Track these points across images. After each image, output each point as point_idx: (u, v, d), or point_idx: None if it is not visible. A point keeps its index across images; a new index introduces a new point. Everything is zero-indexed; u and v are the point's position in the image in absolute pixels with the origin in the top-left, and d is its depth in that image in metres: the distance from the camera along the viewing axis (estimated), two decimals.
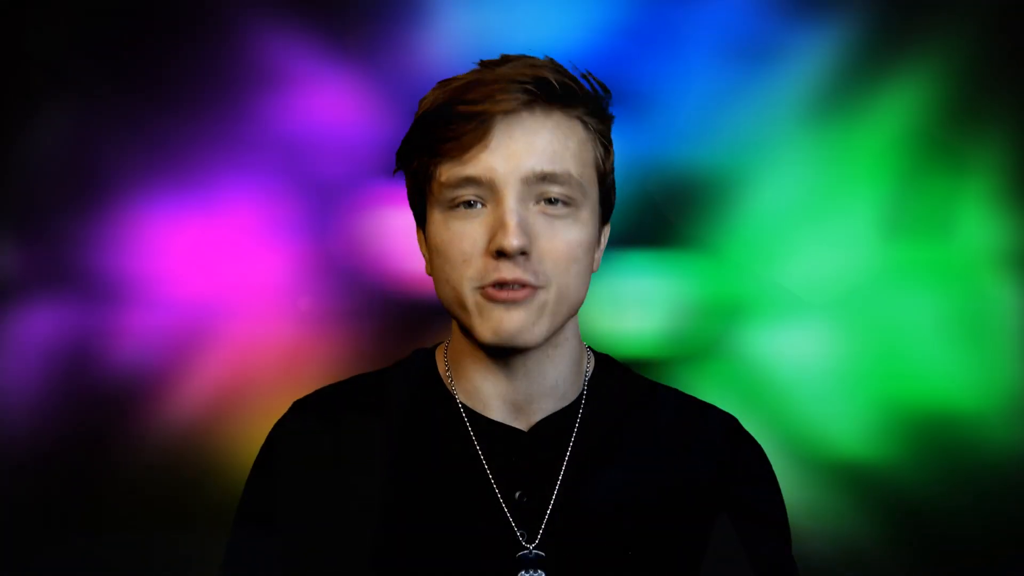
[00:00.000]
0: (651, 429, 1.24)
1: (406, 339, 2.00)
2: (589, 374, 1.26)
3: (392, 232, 2.07)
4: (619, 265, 2.09)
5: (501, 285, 1.12)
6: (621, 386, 1.28)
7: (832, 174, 2.11)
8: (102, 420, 2.08)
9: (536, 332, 1.14)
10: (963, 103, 2.10)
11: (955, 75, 2.10)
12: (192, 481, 2.07)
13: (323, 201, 2.09)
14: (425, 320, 2.04)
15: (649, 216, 2.09)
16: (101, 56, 2.08)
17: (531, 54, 1.20)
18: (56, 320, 2.07)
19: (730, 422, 1.28)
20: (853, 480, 2.09)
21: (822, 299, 2.11)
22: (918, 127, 2.10)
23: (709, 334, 2.11)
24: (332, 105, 2.09)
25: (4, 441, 2.07)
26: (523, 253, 1.12)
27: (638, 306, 2.11)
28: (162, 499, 2.07)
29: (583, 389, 1.24)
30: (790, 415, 2.10)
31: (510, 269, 1.12)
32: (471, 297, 1.14)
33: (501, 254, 1.11)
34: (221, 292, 2.09)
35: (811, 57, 2.11)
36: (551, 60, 1.18)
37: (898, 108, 2.10)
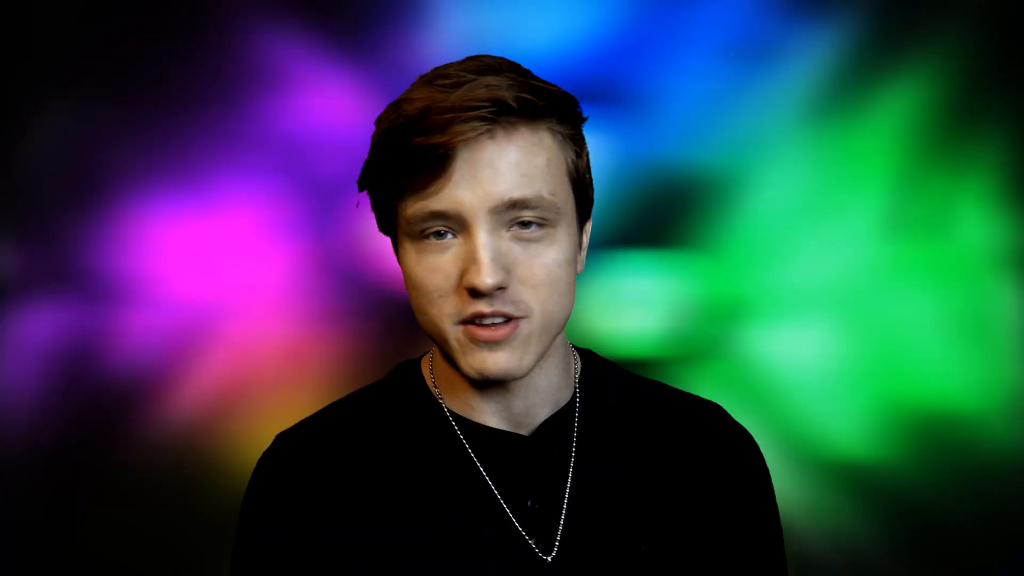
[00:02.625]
0: (645, 422, 1.23)
1: (406, 339, 2.00)
2: (578, 373, 1.24)
3: None
4: (619, 265, 2.09)
5: (481, 319, 1.08)
6: (611, 382, 1.26)
7: (832, 174, 2.11)
8: (102, 420, 2.08)
9: (524, 366, 1.10)
10: (963, 103, 2.10)
11: (955, 75, 2.10)
12: (192, 481, 2.07)
13: (323, 201, 2.09)
14: None
15: (649, 216, 2.09)
16: (101, 56, 2.08)
17: (489, 53, 1.13)
18: (56, 320, 2.07)
19: (718, 412, 1.27)
20: (853, 480, 2.09)
21: (822, 299, 2.11)
22: (918, 127, 2.10)
23: (709, 334, 2.11)
24: (332, 105, 2.09)
25: (4, 441, 2.07)
26: (500, 288, 1.07)
27: (638, 306, 2.11)
28: (162, 499, 2.07)
29: (575, 389, 1.22)
30: (790, 415, 2.10)
31: (487, 304, 1.07)
32: (452, 332, 1.10)
33: (475, 292, 1.07)
34: (221, 292, 2.09)
35: (811, 57, 2.11)
36: (507, 68, 1.10)
37: (898, 108, 2.10)
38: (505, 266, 1.07)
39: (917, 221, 2.10)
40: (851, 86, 2.10)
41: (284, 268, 2.10)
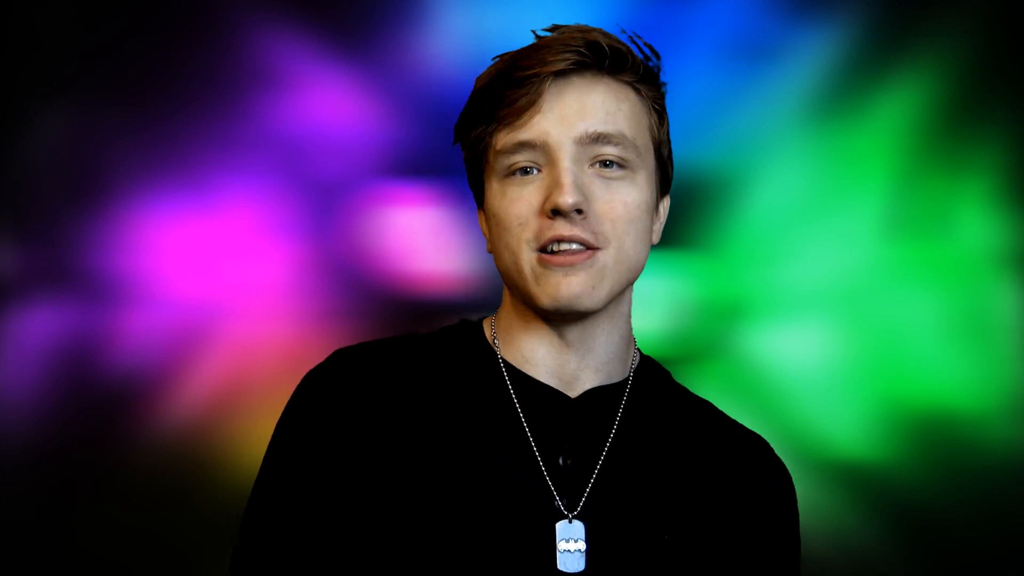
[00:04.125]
0: (688, 426, 1.25)
1: None
2: (635, 364, 1.27)
3: (392, 232, 2.07)
4: None
5: (558, 245, 1.12)
6: (664, 381, 1.29)
7: (832, 174, 2.11)
8: (102, 420, 2.08)
9: (596, 296, 1.14)
10: (963, 103, 2.10)
11: (955, 75, 2.10)
12: (192, 481, 2.07)
13: (323, 201, 2.09)
14: (425, 320, 2.04)
15: None
16: (101, 56, 2.08)
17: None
18: (56, 320, 2.07)
19: (762, 442, 1.30)
20: (853, 480, 2.09)
21: (822, 299, 2.11)
22: (918, 127, 2.10)
23: (709, 334, 2.11)
24: (332, 105, 2.09)
25: (4, 441, 2.07)
26: (579, 212, 1.12)
27: (638, 306, 2.11)
28: (162, 498, 2.08)
29: (629, 375, 1.25)
30: (790, 415, 2.10)
31: (566, 227, 1.12)
32: (528, 260, 1.14)
33: (556, 212, 1.11)
34: (221, 292, 2.09)
35: (811, 57, 2.11)
36: (601, 29, 1.21)
37: (898, 108, 2.10)
38: (585, 194, 1.13)
39: (917, 221, 2.10)
40: (851, 86, 2.10)
41: (284, 268, 2.10)
